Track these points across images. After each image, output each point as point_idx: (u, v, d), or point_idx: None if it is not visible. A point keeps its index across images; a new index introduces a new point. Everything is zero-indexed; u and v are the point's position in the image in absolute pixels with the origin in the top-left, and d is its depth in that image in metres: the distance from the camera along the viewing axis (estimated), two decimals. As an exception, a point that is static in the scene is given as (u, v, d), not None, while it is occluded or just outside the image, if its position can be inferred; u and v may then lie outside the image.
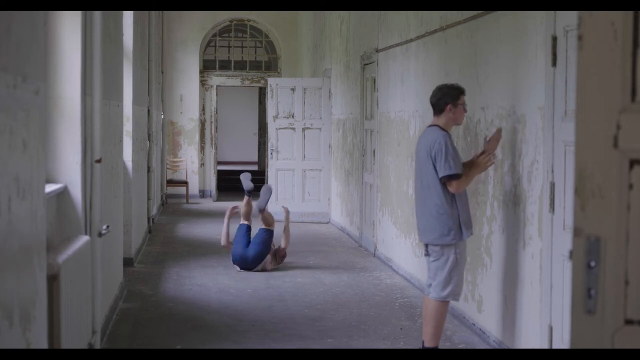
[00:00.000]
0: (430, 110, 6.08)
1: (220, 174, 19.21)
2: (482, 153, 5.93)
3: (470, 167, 5.88)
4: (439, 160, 5.70)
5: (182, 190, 17.32)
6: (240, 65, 18.88)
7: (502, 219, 6.23)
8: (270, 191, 10.02)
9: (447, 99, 5.86)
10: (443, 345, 6.31)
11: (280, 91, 14.09)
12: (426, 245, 5.90)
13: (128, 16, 9.35)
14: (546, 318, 5.40)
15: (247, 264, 9.31)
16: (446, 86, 5.97)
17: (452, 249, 5.77)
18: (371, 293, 8.38)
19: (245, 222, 9.73)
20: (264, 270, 9.33)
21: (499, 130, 5.96)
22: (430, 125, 5.96)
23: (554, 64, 5.30)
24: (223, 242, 9.81)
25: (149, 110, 12.08)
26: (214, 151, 18.10)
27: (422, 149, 5.86)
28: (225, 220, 9.85)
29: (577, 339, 2.08)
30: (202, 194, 17.98)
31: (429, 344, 5.86)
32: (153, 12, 12.65)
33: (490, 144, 5.92)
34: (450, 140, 5.81)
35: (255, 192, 10.06)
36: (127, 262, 9.05)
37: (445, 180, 5.72)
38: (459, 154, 5.88)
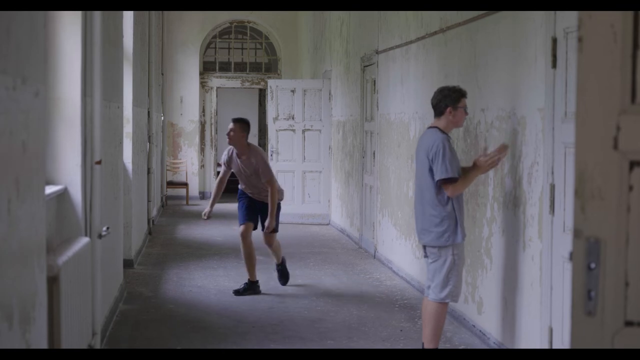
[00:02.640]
0: (431, 112, 6.07)
1: (220, 176, 19.20)
2: (484, 155, 5.92)
3: (471, 169, 5.86)
4: (436, 162, 5.69)
5: (182, 191, 17.32)
6: (241, 67, 18.88)
7: (502, 221, 6.23)
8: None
9: (447, 101, 5.84)
10: (443, 346, 6.31)
11: (280, 93, 14.09)
12: (424, 247, 5.90)
13: (128, 17, 9.36)
14: (546, 320, 5.40)
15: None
16: (447, 88, 5.95)
17: (450, 250, 5.77)
18: (371, 294, 8.38)
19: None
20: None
21: (505, 148, 5.88)
22: (430, 127, 5.95)
23: (554, 65, 5.30)
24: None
25: (149, 112, 12.09)
26: (214, 153, 18.10)
27: (421, 150, 5.86)
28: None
29: (577, 341, 2.08)
30: (202, 195, 17.97)
31: (428, 345, 5.86)
32: (153, 14, 12.65)
33: (493, 156, 5.84)
34: (449, 142, 5.79)
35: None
36: (127, 264, 9.05)
37: (441, 183, 5.71)
38: (457, 157, 5.85)
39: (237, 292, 8.21)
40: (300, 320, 7.31)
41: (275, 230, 8.37)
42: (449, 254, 5.77)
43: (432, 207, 5.76)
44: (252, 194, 8.33)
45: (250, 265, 8.33)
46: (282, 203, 9.53)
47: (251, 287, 8.31)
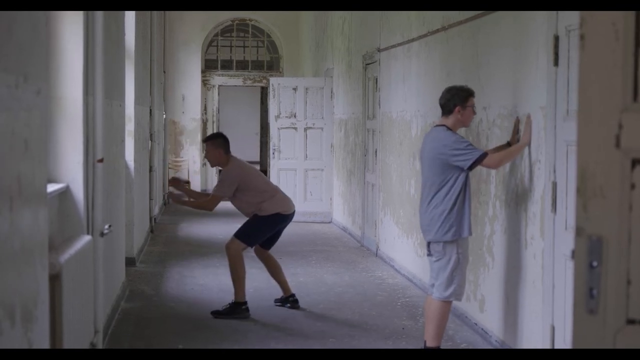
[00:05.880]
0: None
1: (223, 174, 19.22)
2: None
3: (514, 145, 5.86)
4: (458, 155, 5.67)
5: (184, 190, 17.30)
6: (242, 65, 18.88)
7: (504, 219, 6.23)
8: None
9: (456, 100, 5.84)
10: (445, 345, 6.31)
11: (282, 91, 14.09)
12: (428, 245, 5.89)
13: (130, 16, 9.36)
14: (548, 318, 5.40)
15: None
16: (455, 88, 5.95)
17: (454, 248, 5.76)
18: (373, 293, 8.38)
19: None
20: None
21: (528, 117, 5.81)
22: (438, 125, 5.94)
23: (556, 63, 5.29)
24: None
25: (151, 110, 12.09)
26: (216, 151, 18.08)
27: (429, 148, 5.84)
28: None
29: (578, 339, 2.08)
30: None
31: (431, 343, 5.86)
32: (155, 12, 12.65)
33: (527, 133, 5.82)
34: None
35: None
36: (129, 262, 9.05)
37: (474, 166, 5.68)
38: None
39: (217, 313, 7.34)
40: (302, 318, 7.31)
41: (237, 235, 7.49)
42: (453, 252, 5.76)
43: (441, 203, 5.75)
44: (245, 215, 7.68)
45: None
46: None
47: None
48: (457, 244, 5.77)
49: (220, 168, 7.72)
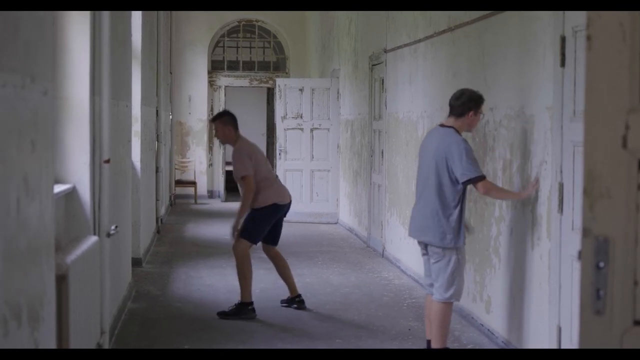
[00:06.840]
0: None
1: (229, 175, 19.20)
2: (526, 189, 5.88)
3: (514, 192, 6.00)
4: (459, 163, 5.63)
5: (190, 190, 17.33)
6: (249, 66, 18.89)
7: (511, 220, 6.22)
8: None
9: (471, 105, 5.79)
10: (451, 345, 6.30)
11: (289, 92, 14.09)
12: (425, 245, 5.89)
13: (136, 17, 9.37)
14: (555, 319, 5.39)
15: None
16: (470, 91, 5.88)
17: (453, 251, 5.76)
18: (379, 293, 8.37)
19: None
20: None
21: (537, 178, 5.77)
22: (443, 126, 5.90)
23: (563, 64, 5.29)
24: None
25: (157, 111, 12.10)
26: (222, 151, 18.11)
27: (434, 148, 5.79)
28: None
29: (585, 340, 2.07)
30: (211, 194, 17.99)
31: (436, 344, 5.85)
32: (161, 13, 12.66)
33: (530, 189, 5.81)
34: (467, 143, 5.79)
35: None
36: (136, 263, 9.06)
37: (469, 183, 5.67)
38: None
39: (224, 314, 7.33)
40: (308, 319, 7.31)
41: (240, 235, 7.37)
42: (453, 254, 5.76)
43: (444, 207, 5.72)
44: None
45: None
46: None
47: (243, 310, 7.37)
48: (456, 247, 5.77)
49: (228, 160, 7.66)
